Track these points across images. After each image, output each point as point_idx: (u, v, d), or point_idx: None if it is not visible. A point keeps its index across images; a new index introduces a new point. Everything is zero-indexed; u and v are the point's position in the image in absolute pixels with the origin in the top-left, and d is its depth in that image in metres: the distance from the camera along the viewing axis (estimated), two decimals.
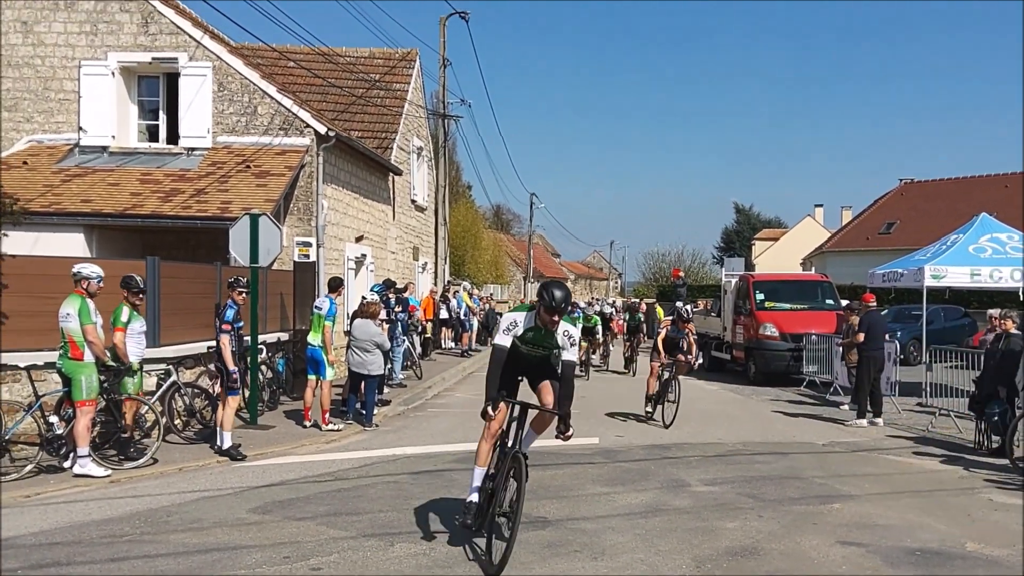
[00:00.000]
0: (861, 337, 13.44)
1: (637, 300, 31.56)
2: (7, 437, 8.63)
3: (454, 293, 25.68)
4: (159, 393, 10.32)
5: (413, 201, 25.58)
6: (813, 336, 17.96)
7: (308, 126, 16.40)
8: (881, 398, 13.55)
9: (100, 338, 8.71)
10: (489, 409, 5.94)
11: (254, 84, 16.55)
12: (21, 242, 12.47)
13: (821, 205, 70.83)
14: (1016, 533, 7.23)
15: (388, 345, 12.92)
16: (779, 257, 60.72)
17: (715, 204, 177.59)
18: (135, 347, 9.43)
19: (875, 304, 14.47)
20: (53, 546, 6.40)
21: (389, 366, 15.00)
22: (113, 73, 16.52)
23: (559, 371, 6.38)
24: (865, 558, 6.43)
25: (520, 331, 6.12)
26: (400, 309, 16.30)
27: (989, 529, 7.37)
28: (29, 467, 8.55)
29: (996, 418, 10.71)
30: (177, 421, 10.71)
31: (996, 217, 17.60)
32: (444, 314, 24.39)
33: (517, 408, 6.28)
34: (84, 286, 8.65)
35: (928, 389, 14.42)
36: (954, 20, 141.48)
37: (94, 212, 14.47)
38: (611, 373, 22.22)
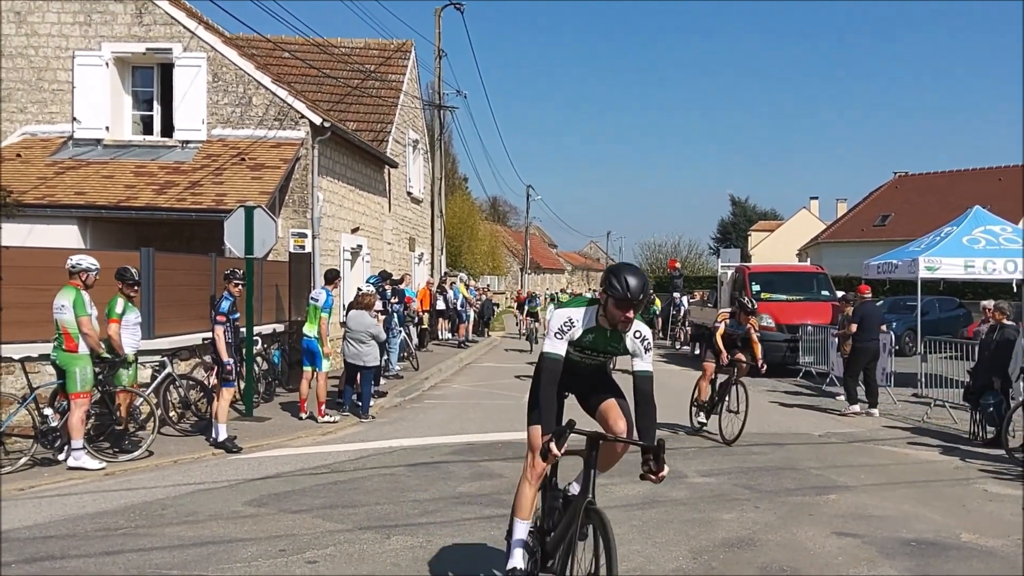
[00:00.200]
0: (854, 328, 13.50)
1: (676, 294, 28.16)
2: (1, 430, 8.60)
3: (451, 284, 25.69)
4: (154, 385, 10.29)
5: (409, 193, 25.53)
6: (809, 327, 17.98)
7: (303, 117, 16.33)
8: (877, 389, 13.57)
9: (95, 330, 8.68)
10: (552, 446, 4.42)
11: (249, 75, 16.47)
12: (15, 234, 12.46)
13: (816, 197, 71.09)
14: (1011, 523, 7.24)
15: (384, 336, 12.89)
16: (775, 248, 60.81)
17: (712, 196, 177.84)
18: (130, 339, 9.40)
19: (870, 295, 14.48)
20: (47, 539, 6.38)
21: (385, 357, 14.98)
22: (107, 64, 16.41)
23: (609, 380, 5.16)
24: (861, 549, 6.44)
25: (578, 333, 4.66)
26: (396, 300, 16.28)
27: (984, 519, 7.38)
28: (23, 460, 8.52)
29: (991, 409, 10.74)
30: (172, 413, 10.69)
31: (989, 210, 17.63)
32: (441, 305, 24.38)
33: (565, 438, 4.56)
34: (83, 278, 8.63)
35: (923, 380, 14.46)
36: (948, 16, 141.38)
37: (88, 204, 14.41)
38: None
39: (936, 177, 46.62)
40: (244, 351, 11.33)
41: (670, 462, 9.99)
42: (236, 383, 10.63)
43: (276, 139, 16.27)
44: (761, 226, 77.30)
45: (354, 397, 12.32)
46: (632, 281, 4.39)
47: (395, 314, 15.92)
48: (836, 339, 15.25)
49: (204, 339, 11.25)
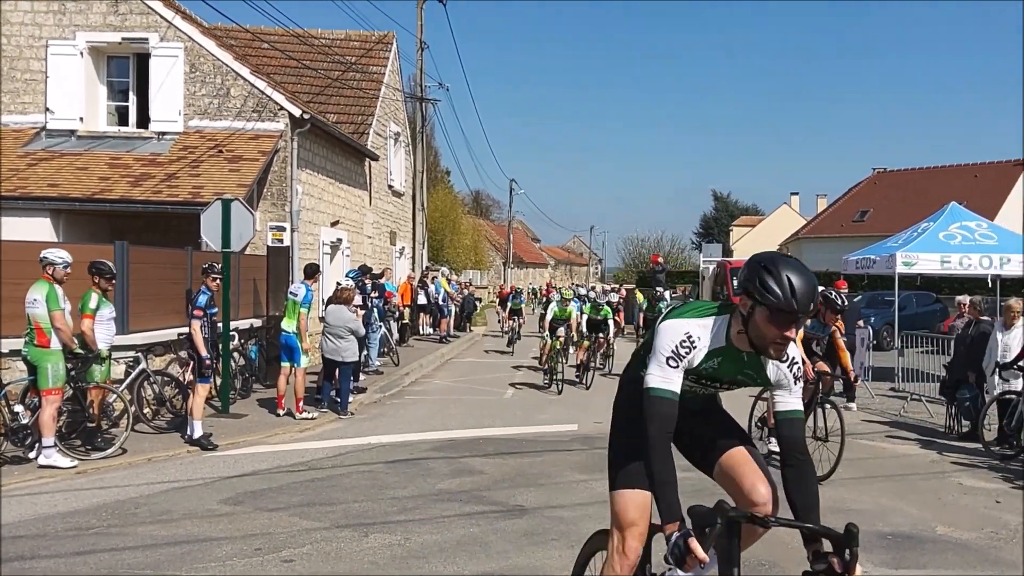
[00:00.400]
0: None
1: (660, 289, 23.14)
2: None
3: (432, 279, 25.55)
4: (127, 381, 10.13)
5: (390, 186, 25.38)
6: None
7: (282, 109, 16.15)
8: (853, 384, 13.63)
9: (68, 325, 8.53)
10: (696, 547, 2.94)
11: (227, 66, 16.26)
12: None
13: (797, 193, 71.57)
14: (985, 516, 7.31)
15: (362, 331, 12.79)
16: (756, 243, 61.00)
17: (694, 191, 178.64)
18: (104, 334, 9.24)
19: (846, 290, 14.57)
20: (16, 539, 6.25)
21: (365, 353, 14.88)
22: (82, 53, 16.15)
23: (725, 418, 3.74)
24: None
25: (700, 357, 3.26)
26: (376, 295, 16.17)
27: (959, 513, 7.44)
28: None
29: (967, 403, 10.83)
30: (146, 410, 10.55)
31: (966, 206, 17.78)
32: (422, 300, 24.26)
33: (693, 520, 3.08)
34: (50, 272, 8.47)
35: (900, 374, 14.56)
36: (927, 14, 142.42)
37: (61, 197, 14.19)
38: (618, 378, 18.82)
39: (914, 173, 47.05)
40: (220, 346, 11.20)
41: None
42: (212, 379, 10.51)
43: (254, 131, 16.09)
44: (743, 221, 77.74)
45: (333, 393, 12.22)
46: (799, 283, 2.99)
47: (375, 309, 15.81)
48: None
49: (180, 334, 11.10)
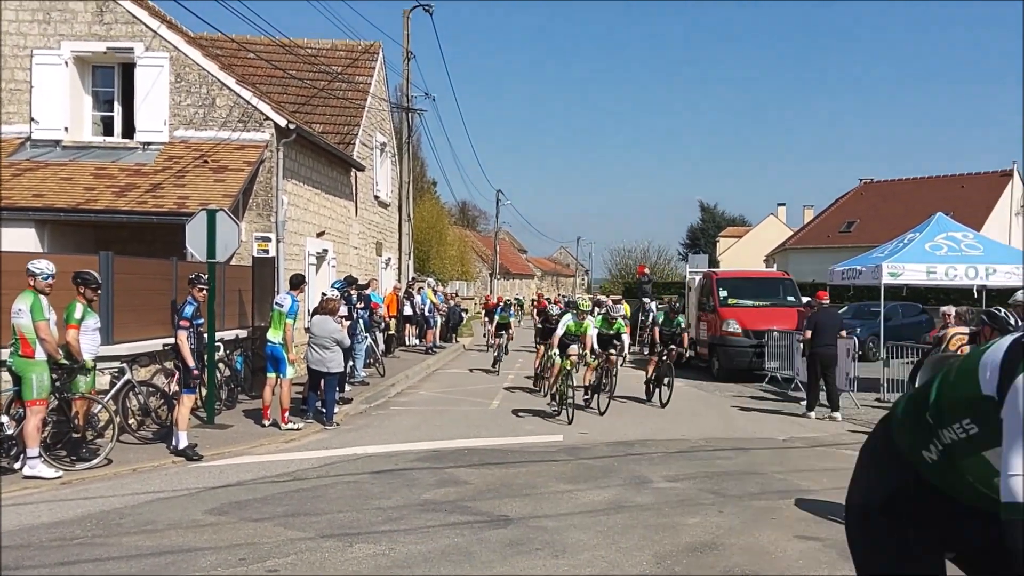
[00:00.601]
0: (808, 334, 13.78)
1: (676, 298, 19.74)
2: None
3: (418, 289, 25.53)
4: (112, 392, 10.07)
5: (376, 197, 25.38)
6: (775, 332, 18.14)
7: (268, 119, 16.15)
8: (837, 393, 13.73)
9: (53, 335, 8.49)
10: None
11: (212, 75, 16.26)
12: None
13: (784, 204, 72.19)
14: None
15: (348, 342, 12.76)
16: (743, 254, 61.42)
17: (681, 202, 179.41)
18: (89, 344, 9.18)
19: (827, 301, 14.71)
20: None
21: (351, 364, 14.85)
22: (66, 63, 16.11)
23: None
24: (822, 552, 6.48)
25: None
26: (362, 306, 16.14)
27: None
28: None
29: None
30: (131, 421, 10.48)
31: (952, 216, 17.94)
32: (408, 311, 24.22)
33: None
34: (31, 282, 8.43)
35: (886, 385, 14.64)
36: (914, 24, 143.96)
37: (46, 207, 14.13)
38: (631, 402, 15.44)
39: (900, 184, 47.46)
40: (206, 357, 11.15)
41: (636, 467, 9.95)
42: (197, 390, 10.46)
43: (240, 141, 16.08)
44: (730, 232, 78.16)
45: (318, 404, 12.18)
46: None
47: (361, 320, 15.78)
48: (801, 344, 15.41)
49: (165, 345, 11.07)
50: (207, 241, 11.52)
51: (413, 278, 28.72)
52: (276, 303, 12.05)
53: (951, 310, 12.74)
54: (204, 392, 11.44)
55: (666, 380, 14.84)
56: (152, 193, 14.55)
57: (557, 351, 13.20)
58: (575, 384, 13.20)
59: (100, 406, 9.44)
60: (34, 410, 8.25)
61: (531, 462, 9.80)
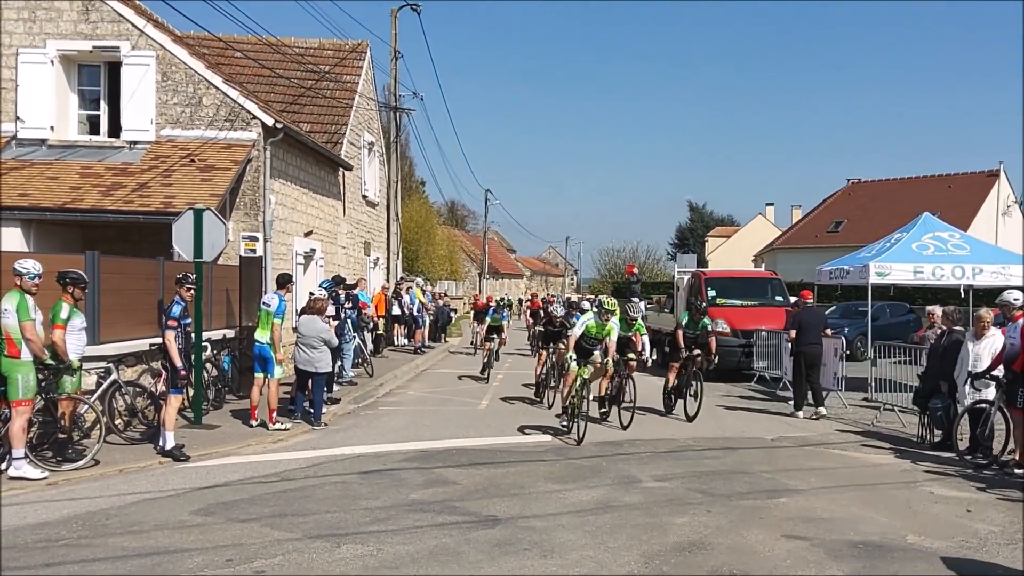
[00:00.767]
0: (793, 334, 13.85)
1: (700, 301, 16.41)
2: None
3: (407, 289, 25.49)
4: (99, 392, 10.01)
5: (364, 196, 25.33)
6: (763, 332, 18.20)
7: (255, 118, 16.08)
8: (820, 390, 13.79)
9: (39, 336, 8.43)
10: None
11: (199, 74, 16.18)
12: None
13: (772, 204, 72.51)
14: (955, 525, 7.40)
15: (336, 342, 12.72)
16: (731, 254, 61.64)
17: (670, 202, 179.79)
18: (75, 344, 9.12)
19: (812, 301, 14.76)
20: None
21: (339, 364, 14.80)
22: (52, 62, 16.00)
23: None
24: (809, 551, 6.50)
25: None
26: (350, 305, 16.10)
27: (929, 521, 7.51)
28: None
29: (939, 413, 10.94)
30: (118, 421, 10.42)
31: (939, 216, 18.01)
32: (396, 310, 24.19)
33: None
34: (18, 282, 8.37)
35: (874, 384, 14.70)
36: (902, 23, 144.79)
37: (32, 206, 14.03)
38: (650, 414, 13.64)
39: (888, 184, 47.75)
40: (193, 357, 11.10)
41: (624, 467, 9.98)
42: (185, 390, 10.40)
43: (227, 140, 16.01)
44: (718, 232, 78.45)
45: (306, 404, 12.14)
46: None
47: (349, 320, 15.74)
48: (789, 344, 15.47)
49: (152, 345, 11.01)
50: (194, 240, 11.47)
51: (401, 278, 28.68)
52: (264, 303, 12.00)
53: (937, 309, 12.82)
54: (191, 392, 11.38)
55: (692, 390, 13.27)
56: (139, 192, 14.48)
57: (574, 355, 11.42)
58: (590, 396, 11.64)
59: (86, 406, 9.39)
60: (20, 411, 8.20)
61: (520, 462, 9.80)
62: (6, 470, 8.32)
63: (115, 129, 16.41)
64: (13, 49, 15.95)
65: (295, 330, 12.32)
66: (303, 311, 12.37)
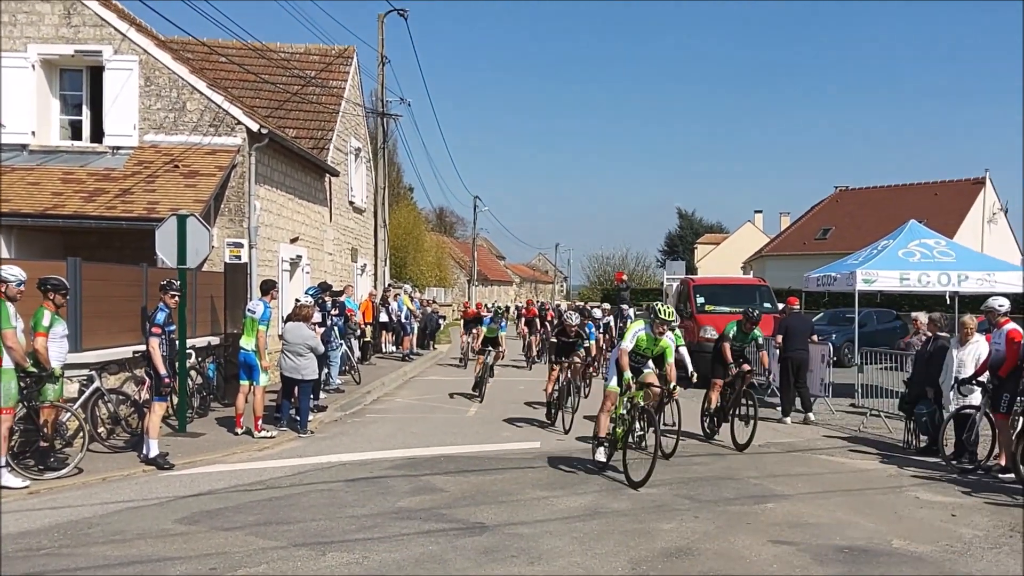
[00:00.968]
0: (780, 339, 13.88)
1: (752, 310, 12.90)
2: None
3: (395, 296, 25.40)
4: (81, 400, 9.91)
5: (351, 203, 25.24)
6: None
7: (240, 124, 15.97)
8: (808, 395, 13.82)
9: (20, 343, 8.33)
10: None
11: (183, 79, 16.06)
12: None
13: (761, 211, 72.96)
14: (940, 529, 7.42)
15: (322, 349, 12.64)
16: (720, 261, 61.93)
17: (659, 209, 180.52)
18: (57, 352, 9.01)
19: (798, 307, 14.82)
20: None
21: (325, 371, 14.71)
22: (33, 66, 15.84)
23: None
24: (795, 556, 6.50)
25: None
26: (336, 312, 16.01)
27: (915, 526, 7.53)
28: None
29: (924, 418, 10.98)
30: (101, 429, 10.31)
31: (926, 223, 18.09)
32: (384, 317, 24.09)
33: None
34: (2, 289, 8.27)
35: (860, 390, 14.74)
36: (889, 31, 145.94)
37: (12, 212, 13.86)
38: (689, 440, 11.81)
39: (875, 191, 48.10)
40: (177, 364, 11.00)
41: (613, 475, 9.90)
42: (169, 397, 10.31)
43: (211, 146, 15.90)
44: (707, 239, 78.79)
45: (292, 412, 12.04)
46: None
47: (335, 327, 15.66)
48: (777, 351, 15.49)
49: (135, 352, 10.90)
50: (178, 247, 11.40)
51: (389, 284, 28.59)
52: (248, 310, 11.92)
53: (922, 316, 12.87)
54: (176, 400, 11.27)
55: (742, 410, 11.52)
56: (121, 198, 14.35)
57: (630, 375, 9.39)
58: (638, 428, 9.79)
59: (69, 414, 9.28)
60: (1, 419, 8.09)
61: (507, 469, 9.75)
62: None
63: (97, 134, 16.27)
64: None
65: (281, 337, 12.24)
66: (289, 318, 12.30)
